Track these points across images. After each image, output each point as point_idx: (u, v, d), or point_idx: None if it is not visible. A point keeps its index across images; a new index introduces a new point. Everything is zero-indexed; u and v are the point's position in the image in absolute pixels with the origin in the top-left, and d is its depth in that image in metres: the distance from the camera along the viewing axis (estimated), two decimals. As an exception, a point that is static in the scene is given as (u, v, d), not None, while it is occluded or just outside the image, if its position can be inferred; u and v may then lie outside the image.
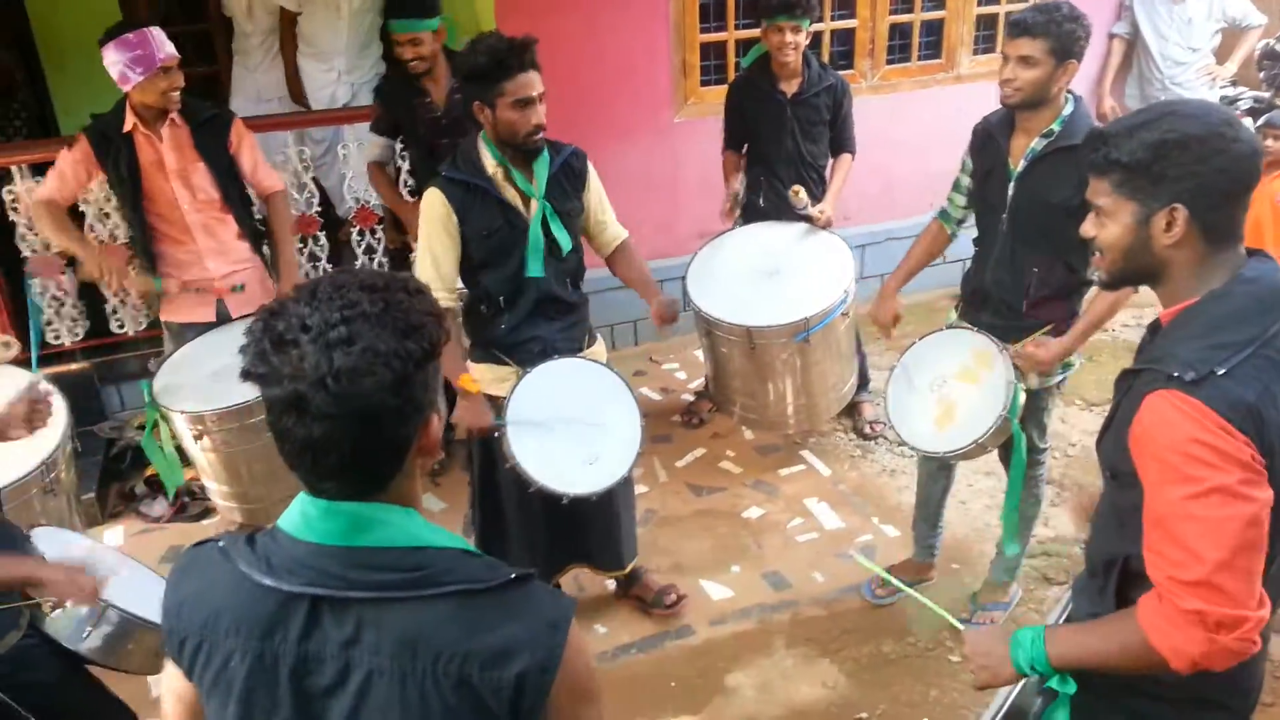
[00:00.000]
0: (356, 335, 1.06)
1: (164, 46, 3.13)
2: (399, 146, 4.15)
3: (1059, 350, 2.76)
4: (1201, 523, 1.37)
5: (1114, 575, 1.58)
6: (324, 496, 1.13)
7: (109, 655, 2.07)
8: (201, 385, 2.95)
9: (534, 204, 2.78)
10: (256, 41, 5.12)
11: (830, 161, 4.00)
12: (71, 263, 4.31)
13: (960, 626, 1.84)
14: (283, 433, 1.09)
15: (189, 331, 3.37)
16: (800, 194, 3.62)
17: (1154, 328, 1.59)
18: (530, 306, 2.87)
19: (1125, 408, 1.50)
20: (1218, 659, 1.40)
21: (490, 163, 2.76)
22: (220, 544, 1.19)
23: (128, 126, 3.23)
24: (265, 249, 3.64)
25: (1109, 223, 1.54)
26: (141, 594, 2.15)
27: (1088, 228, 1.59)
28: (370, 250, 4.73)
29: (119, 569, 2.17)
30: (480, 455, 2.99)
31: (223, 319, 3.42)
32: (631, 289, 3.08)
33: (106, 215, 4.24)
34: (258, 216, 3.72)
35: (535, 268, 2.79)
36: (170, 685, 1.27)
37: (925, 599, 1.93)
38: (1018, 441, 2.80)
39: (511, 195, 2.78)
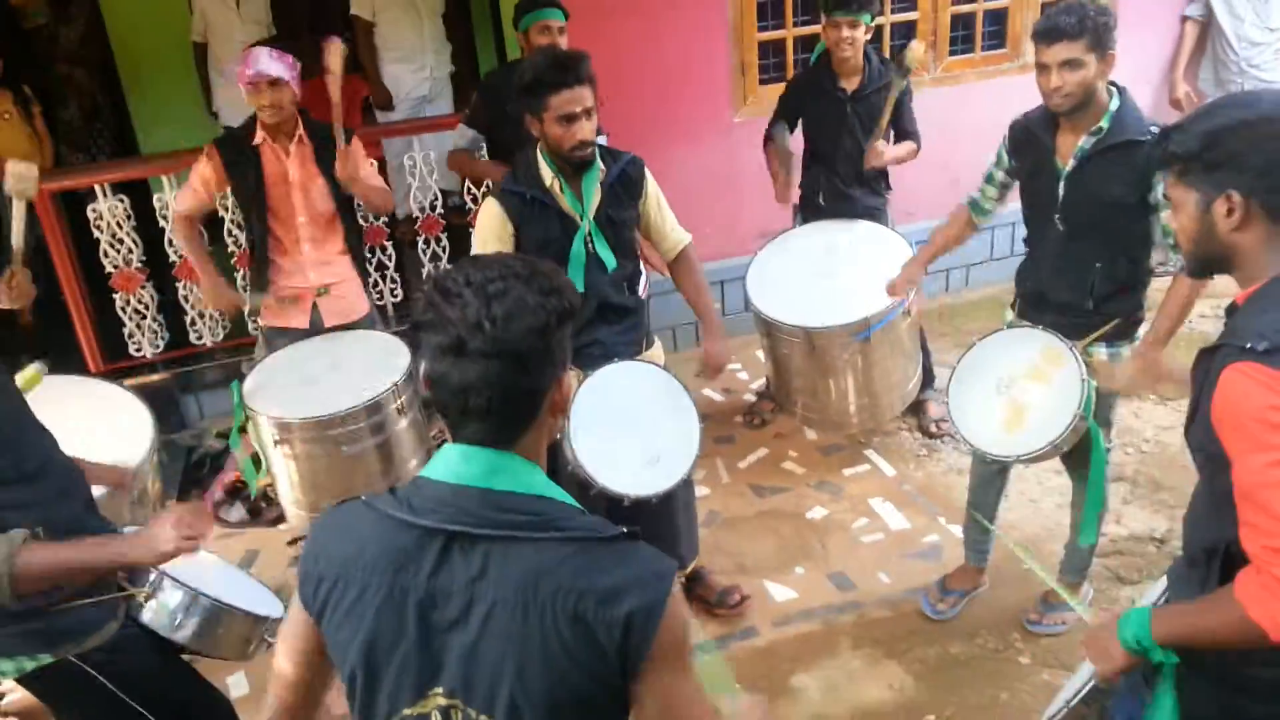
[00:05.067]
0: (510, 289, 1.23)
1: (255, 64, 3.22)
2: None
3: (1142, 362, 2.68)
4: None
5: (1216, 563, 1.58)
6: (466, 441, 1.26)
7: (201, 642, 2.16)
8: (290, 391, 3.05)
9: (583, 220, 2.83)
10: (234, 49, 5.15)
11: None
12: (151, 278, 4.49)
13: (1087, 616, 1.95)
14: (440, 377, 1.23)
15: (281, 338, 3.50)
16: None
17: (1231, 310, 1.61)
18: (590, 312, 2.91)
19: (1206, 387, 1.52)
20: None
21: (548, 174, 2.81)
22: (363, 498, 1.31)
23: (257, 140, 3.38)
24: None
25: (1179, 213, 1.61)
26: (229, 585, 2.25)
27: (1168, 218, 1.67)
28: (436, 258, 4.82)
29: (206, 562, 2.27)
30: (542, 458, 3.03)
31: (315, 327, 3.53)
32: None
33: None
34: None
35: (574, 284, 2.82)
36: (285, 648, 1.35)
37: (1057, 584, 2.03)
38: (1096, 440, 2.74)
39: (568, 206, 2.82)
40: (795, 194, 4.11)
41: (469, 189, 4.70)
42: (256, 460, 3.16)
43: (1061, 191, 2.74)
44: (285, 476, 3.07)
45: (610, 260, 2.89)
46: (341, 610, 1.26)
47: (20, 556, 1.78)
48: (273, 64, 3.23)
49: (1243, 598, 1.44)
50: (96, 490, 2.32)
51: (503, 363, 1.21)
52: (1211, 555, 1.59)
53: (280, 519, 3.93)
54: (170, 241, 4.41)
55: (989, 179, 3.00)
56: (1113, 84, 2.67)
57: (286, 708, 1.39)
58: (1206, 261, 1.62)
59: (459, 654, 1.22)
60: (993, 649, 3.08)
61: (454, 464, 1.26)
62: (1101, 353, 2.81)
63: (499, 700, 1.20)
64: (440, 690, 1.23)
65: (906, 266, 3.22)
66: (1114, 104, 2.64)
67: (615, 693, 1.22)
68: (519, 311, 1.22)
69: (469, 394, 1.22)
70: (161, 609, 2.12)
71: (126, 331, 4.49)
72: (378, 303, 3.78)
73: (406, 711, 1.24)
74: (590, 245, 2.86)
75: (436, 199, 4.76)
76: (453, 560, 1.22)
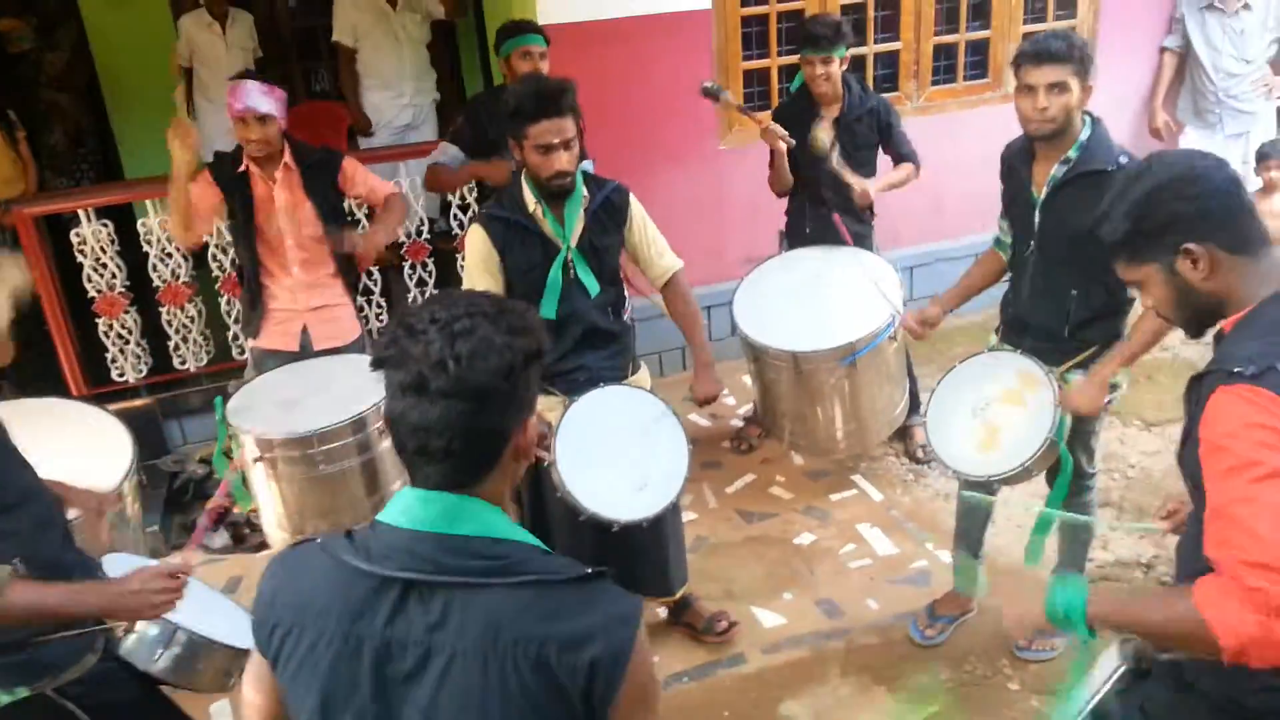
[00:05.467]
0: (476, 327, 1.19)
1: (245, 99, 3.21)
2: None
3: (1096, 387, 2.71)
4: (1266, 506, 1.38)
5: None
6: (425, 484, 1.22)
7: (180, 675, 2.12)
8: (272, 411, 3.03)
9: (564, 245, 2.84)
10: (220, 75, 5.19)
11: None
12: (135, 302, 4.46)
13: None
14: (400, 416, 1.19)
15: (270, 360, 3.48)
16: (820, 138, 3.68)
17: (1218, 337, 1.64)
18: (576, 338, 2.91)
19: (1197, 414, 1.53)
20: (1266, 650, 1.36)
21: (531, 200, 2.82)
22: (319, 541, 1.27)
23: (243, 166, 3.37)
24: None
25: (1148, 292, 1.64)
26: (209, 614, 2.21)
27: (1145, 302, 1.67)
28: (422, 283, 4.82)
29: (189, 588, 2.22)
30: (529, 485, 3.01)
31: (306, 350, 3.52)
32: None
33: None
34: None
35: (548, 309, 2.83)
36: (252, 679, 1.33)
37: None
38: (1065, 465, 2.75)
39: (551, 231, 2.83)
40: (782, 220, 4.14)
41: (454, 214, 4.71)
42: (245, 479, 3.13)
43: (1037, 220, 2.77)
44: (268, 499, 3.04)
45: (593, 286, 2.90)
46: (296, 659, 1.22)
47: (3, 595, 1.75)
48: (263, 99, 3.23)
49: (1200, 600, 1.42)
50: (73, 512, 2.29)
51: (465, 403, 1.17)
52: None
53: (263, 545, 3.89)
54: (154, 266, 4.39)
55: (1002, 214, 3.02)
56: (1087, 114, 2.71)
57: None
58: (1199, 318, 1.64)
59: (417, 708, 1.17)
60: (981, 675, 3.07)
61: (411, 508, 1.22)
62: (1077, 379, 2.82)
63: None
64: None
65: (923, 311, 3.15)
66: (1084, 134, 2.68)
67: None
68: (484, 350, 1.18)
69: (429, 435, 1.18)
70: (140, 642, 2.08)
71: (109, 356, 4.46)
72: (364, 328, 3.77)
73: None
74: (572, 271, 2.87)
75: (423, 224, 4.76)
76: (410, 609, 1.18)
